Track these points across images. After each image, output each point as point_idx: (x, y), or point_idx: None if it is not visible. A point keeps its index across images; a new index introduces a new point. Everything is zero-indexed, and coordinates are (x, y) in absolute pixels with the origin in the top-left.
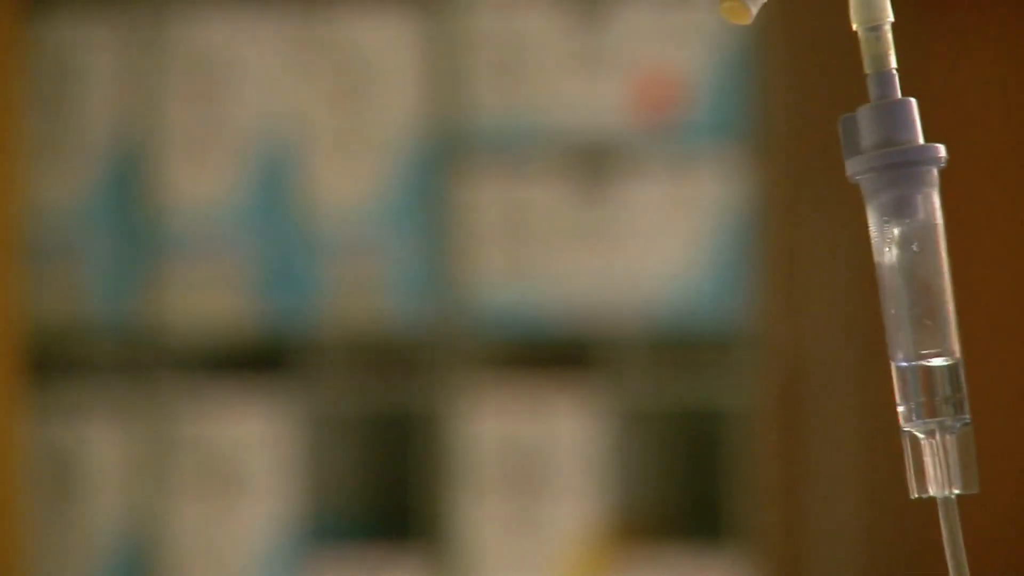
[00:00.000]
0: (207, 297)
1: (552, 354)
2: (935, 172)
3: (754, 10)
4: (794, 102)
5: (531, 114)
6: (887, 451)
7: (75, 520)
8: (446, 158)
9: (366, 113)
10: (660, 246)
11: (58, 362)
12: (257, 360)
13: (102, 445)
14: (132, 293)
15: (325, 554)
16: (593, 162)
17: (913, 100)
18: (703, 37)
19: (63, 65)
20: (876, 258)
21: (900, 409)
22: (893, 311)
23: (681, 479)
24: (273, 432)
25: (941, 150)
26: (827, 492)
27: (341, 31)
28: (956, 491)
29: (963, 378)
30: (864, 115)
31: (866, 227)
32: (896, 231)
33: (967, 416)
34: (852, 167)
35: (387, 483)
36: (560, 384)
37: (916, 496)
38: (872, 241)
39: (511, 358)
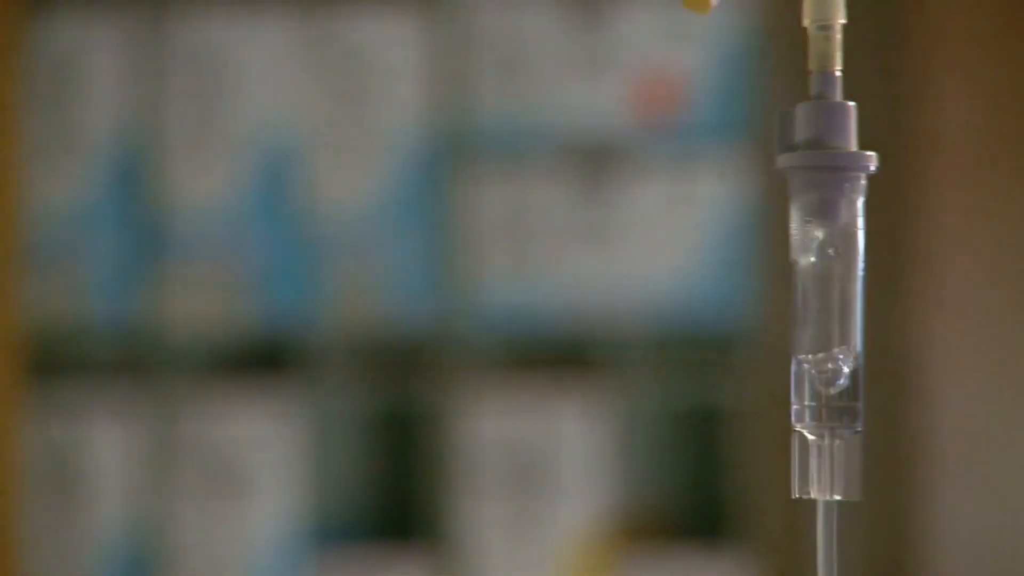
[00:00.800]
0: (209, 297)
1: (554, 354)
2: (863, 179)
3: (714, 1)
4: (794, 102)
5: (533, 114)
6: (887, 450)
7: (76, 521)
8: (448, 158)
9: (368, 113)
10: (661, 246)
11: (59, 362)
12: (259, 360)
13: (103, 446)
14: (133, 293)
15: (328, 554)
16: (595, 162)
17: (852, 104)
18: (704, 37)
19: (64, 65)
20: (793, 255)
21: (794, 407)
22: (801, 310)
23: (683, 479)
24: (275, 432)
25: (872, 158)
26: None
27: (343, 31)
28: (837, 497)
29: (861, 386)
30: (801, 112)
31: (866, 226)
32: (816, 233)
33: (859, 425)
34: (783, 161)
35: (390, 483)
36: (562, 384)
37: (796, 496)
38: (791, 238)
39: (513, 358)
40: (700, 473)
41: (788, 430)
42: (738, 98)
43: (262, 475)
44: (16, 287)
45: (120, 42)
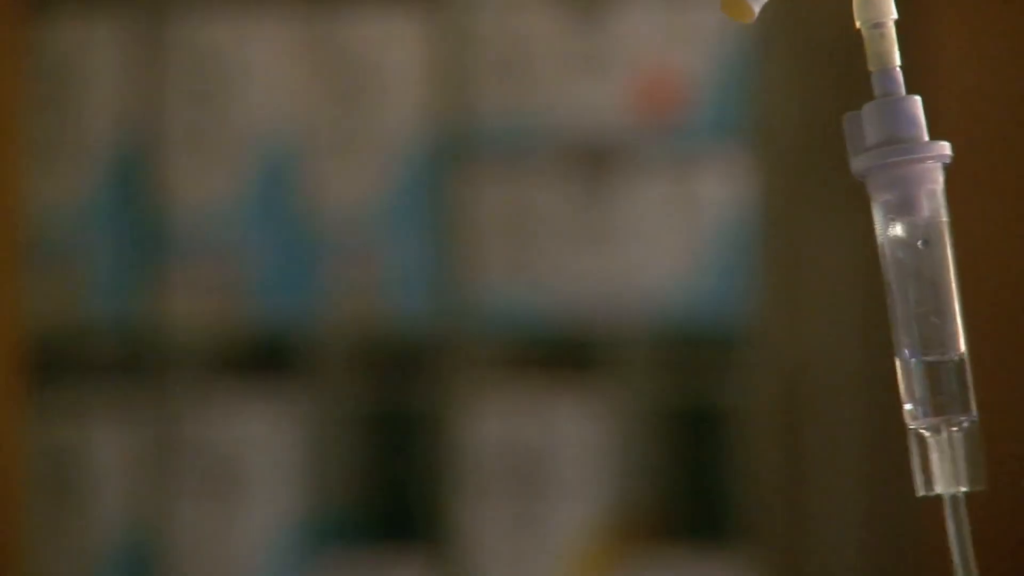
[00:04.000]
0: (209, 297)
1: (554, 354)
2: (940, 169)
3: (756, 8)
4: (795, 102)
5: (534, 115)
6: (887, 451)
7: (77, 521)
8: (448, 159)
9: (369, 113)
10: (662, 246)
11: (60, 363)
12: (260, 361)
13: (104, 446)
14: (134, 294)
15: (328, 554)
16: (595, 162)
17: (918, 97)
18: (705, 37)
19: (65, 65)
20: (881, 256)
21: (906, 407)
22: (899, 309)
23: (683, 479)
24: (276, 433)
25: (946, 147)
26: (827, 492)
27: (344, 31)
28: (963, 488)
29: (969, 375)
30: (868, 112)
31: (867, 226)
32: (901, 229)
33: (974, 413)
34: (857, 165)
35: (390, 483)
36: (562, 384)
37: (923, 494)
38: (877, 239)
39: (514, 358)
40: (700, 473)
41: (787, 429)
42: (738, 99)
43: (262, 475)
44: (17, 287)
45: (120, 42)
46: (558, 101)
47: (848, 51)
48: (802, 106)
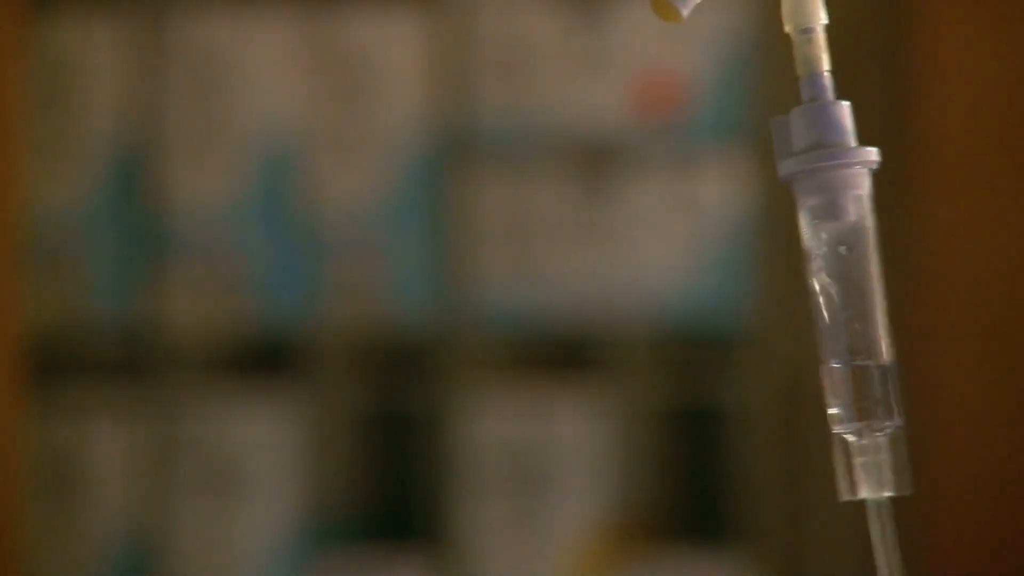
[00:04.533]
0: (210, 298)
1: (555, 354)
2: (867, 175)
3: (685, 12)
4: (795, 102)
5: (534, 114)
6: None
7: (77, 521)
8: (449, 158)
9: (369, 113)
10: (662, 246)
11: (60, 363)
12: (260, 361)
13: (104, 446)
14: (134, 294)
15: (328, 555)
16: (595, 162)
17: (847, 103)
18: (705, 38)
19: (65, 65)
20: (807, 261)
21: (831, 411)
22: (824, 314)
23: (682, 479)
24: (276, 433)
25: (873, 153)
26: (827, 492)
27: (344, 31)
28: (888, 493)
29: (894, 380)
30: (796, 117)
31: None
32: (826, 234)
33: (899, 418)
34: (783, 169)
35: (390, 484)
36: (562, 384)
37: (846, 499)
38: (803, 244)
39: (514, 358)
40: (700, 473)
41: (787, 429)
42: (738, 99)
43: (262, 475)
44: (17, 288)
45: (120, 42)
46: (558, 101)
47: (849, 51)
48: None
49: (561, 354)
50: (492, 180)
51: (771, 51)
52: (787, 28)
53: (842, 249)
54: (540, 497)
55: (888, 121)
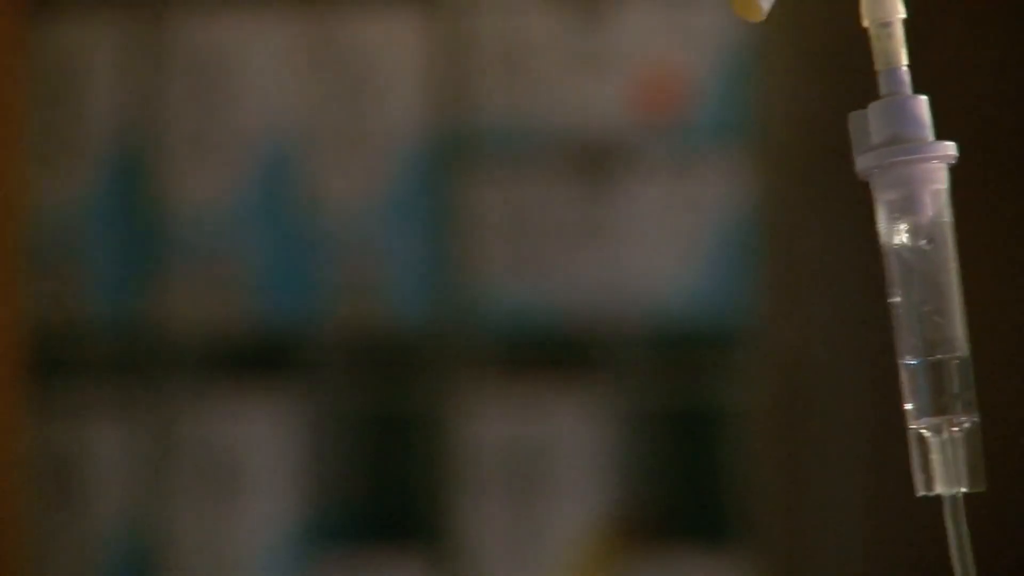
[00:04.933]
0: (209, 297)
1: (554, 354)
2: (945, 169)
3: (766, 6)
4: (796, 102)
5: (534, 114)
6: (888, 451)
7: (77, 521)
8: (449, 158)
9: (369, 113)
10: (662, 246)
11: (60, 362)
12: (259, 361)
13: (104, 445)
14: (134, 293)
15: (327, 555)
16: (596, 162)
17: (924, 97)
18: (705, 37)
19: (65, 66)
20: (884, 256)
21: (907, 407)
22: (902, 309)
23: (682, 479)
24: (275, 433)
25: (951, 147)
26: (827, 492)
27: (344, 31)
28: (963, 489)
29: (971, 376)
30: (874, 111)
31: (867, 227)
32: (905, 229)
33: (975, 414)
34: (861, 164)
35: (389, 483)
36: (562, 384)
37: (922, 494)
38: (880, 238)
39: (513, 358)
40: (700, 473)
41: (787, 429)
42: (738, 99)
43: (262, 475)
44: (17, 287)
45: (120, 42)
46: (558, 101)
47: (848, 51)
48: (802, 106)
49: (561, 354)
50: (492, 180)
51: (771, 51)
52: (865, 22)
53: (922, 243)
54: (539, 497)
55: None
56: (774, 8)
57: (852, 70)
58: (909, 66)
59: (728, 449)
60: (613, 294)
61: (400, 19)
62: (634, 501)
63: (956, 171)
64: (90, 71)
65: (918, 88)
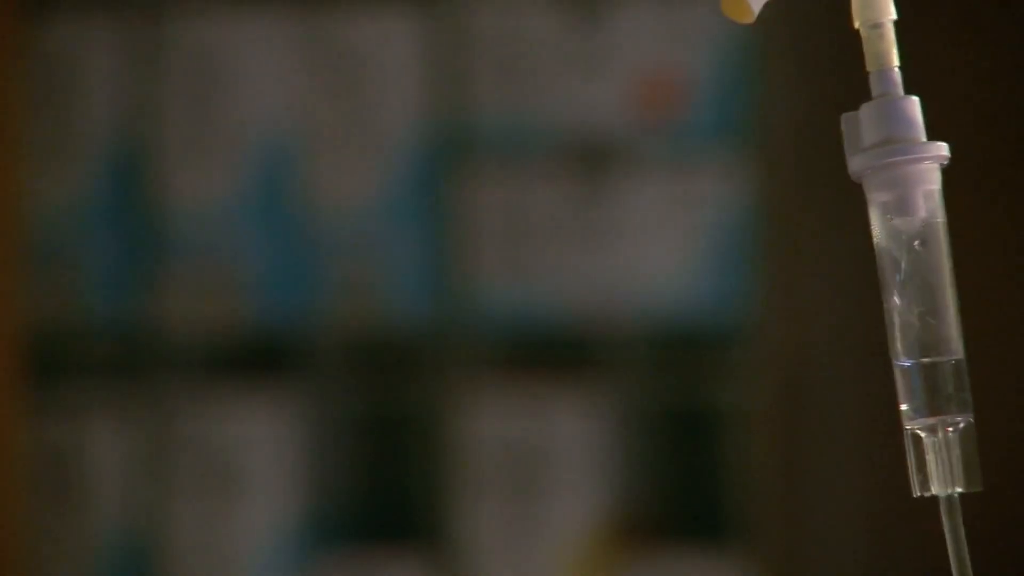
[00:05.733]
0: (207, 297)
1: (552, 354)
2: (938, 170)
3: (756, 8)
4: (794, 102)
5: (532, 114)
6: (888, 451)
7: (75, 521)
8: (446, 158)
9: (366, 113)
10: (660, 246)
11: (58, 363)
12: (257, 361)
13: (102, 446)
14: (132, 293)
15: (326, 554)
16: (593, 162)
17: (916, 98)
18: (703, 37)
19: (63, 65)
20: (878, 257)
21: (903, 407)
22: (895, 310)
23: (681, 479)
24: (273, 432)
25: (944, 148)
26: (827, 492)
27: (341, 30)
28: (959, 489)
29: (966, 376)
30: (866, 113)
31: (867, 226)
32: (898, 229)
33: (970, 414)
34: (854, 165)
35: (387, 483)
36: (560, 384)
37: (918, 495)
38: (874, 240)
39: (511, 358)
40: (699, 473)
41: (787, 429)
42: (738, 98)
43: (260, 475)
44: (16, 287)
45: (120, 42)
46: (557, 100)
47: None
48: (802, 106)
49: (559, 353)
50: (490, 179)
51: (771, 51)
52: (856, 24)
53: (916, 244)
54: (538, 497)
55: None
56: (774, 8)
57: (852, 70)
58: (900, 67)
59: (727, 449)
60: (612, 293)
61: (398, 18)
62: (633, 501)
63: (949, 172)
64: (89, 71)
65: (909, 89)
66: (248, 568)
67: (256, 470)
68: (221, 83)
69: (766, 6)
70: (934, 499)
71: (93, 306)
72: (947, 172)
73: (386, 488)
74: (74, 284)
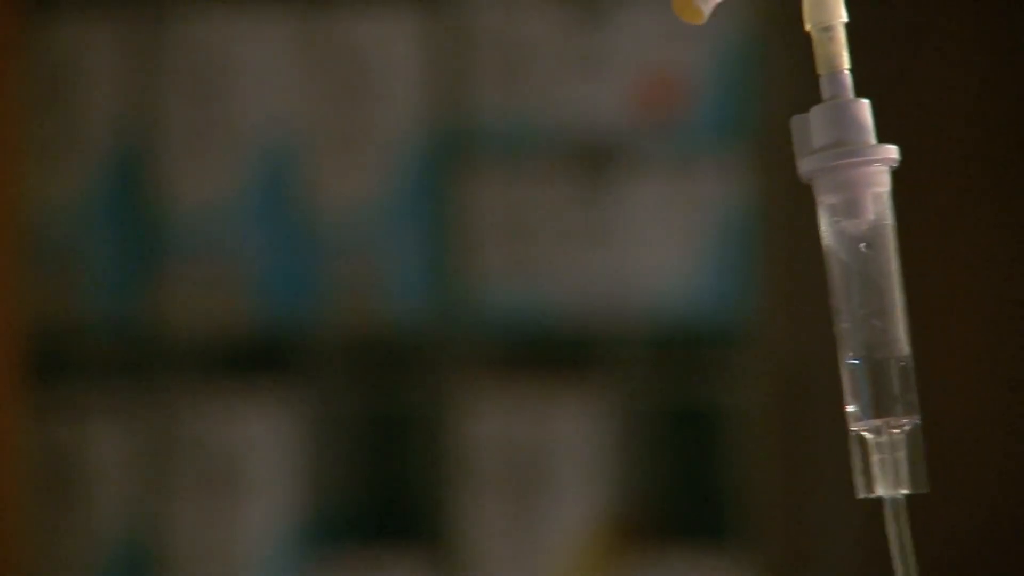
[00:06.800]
0: (208, 297)
1: (553, 353)
2: (887, 172)
3: (706, 11)
4: (796, 102)
5: (533, 114)
6: None
7: (75, 521)
8: (448, 158)
9: (368, 113)
10: (661, 246)
11: (59, 362)
12: (258, 360)
13: (103, 445)
14: (133, 293)
15: (326, 554)
16: (595, 161)
17: (866, 101)
18: (705, 37)
19: (63, 65)
20: (826, 259)
21: (849, 409)
22: (843, 311)
23: (681, 479)
24: (274, 432)
25: (893, 151)
26: (827, 492)
27: (343, 30)
28: (905, 491)
29: (913, 378)
30: (816, 115)
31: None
32: (846, 231)
33: (917, 416)
34: (804, 167)
35: (388, 483)
36: (561, 384)
37: (862, 496)
38: (822, 241)
39: (512, 357)
40: (699, 473)
41: (787, 429)
42: (738, 98)
43: (261, 475)
44: (16, 287)
45: (120, 42)
46: (558, 100)
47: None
48: (803, 106)
49: (560, 353)
50: (491, 179)
51: (771, 51)
52: (807, 26)
53: (862, 247)
54: (539, 496)
55: (881, 122)
56: (774, 8)
57: (852, 70)
58: (900, 67)
59: (727, 448)
60: (612, 293)
61: (399, 18)
62: (634, 500)
63: (949, 172)
64: (89, 71)
65: (909, 89)
66: (249, 567)
67: (257, 469)
68: (222, 82)
69: (766, 5)
70: (934, 496)
71: (94, 305)
72: (947, 172)
73: (387, 488)
74: (75, 283)
